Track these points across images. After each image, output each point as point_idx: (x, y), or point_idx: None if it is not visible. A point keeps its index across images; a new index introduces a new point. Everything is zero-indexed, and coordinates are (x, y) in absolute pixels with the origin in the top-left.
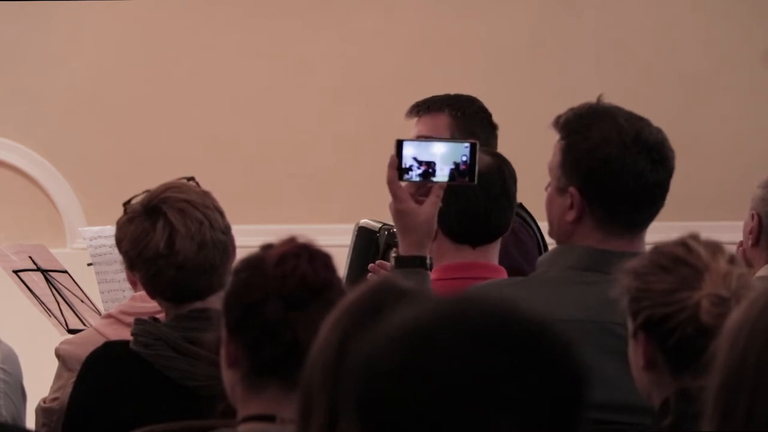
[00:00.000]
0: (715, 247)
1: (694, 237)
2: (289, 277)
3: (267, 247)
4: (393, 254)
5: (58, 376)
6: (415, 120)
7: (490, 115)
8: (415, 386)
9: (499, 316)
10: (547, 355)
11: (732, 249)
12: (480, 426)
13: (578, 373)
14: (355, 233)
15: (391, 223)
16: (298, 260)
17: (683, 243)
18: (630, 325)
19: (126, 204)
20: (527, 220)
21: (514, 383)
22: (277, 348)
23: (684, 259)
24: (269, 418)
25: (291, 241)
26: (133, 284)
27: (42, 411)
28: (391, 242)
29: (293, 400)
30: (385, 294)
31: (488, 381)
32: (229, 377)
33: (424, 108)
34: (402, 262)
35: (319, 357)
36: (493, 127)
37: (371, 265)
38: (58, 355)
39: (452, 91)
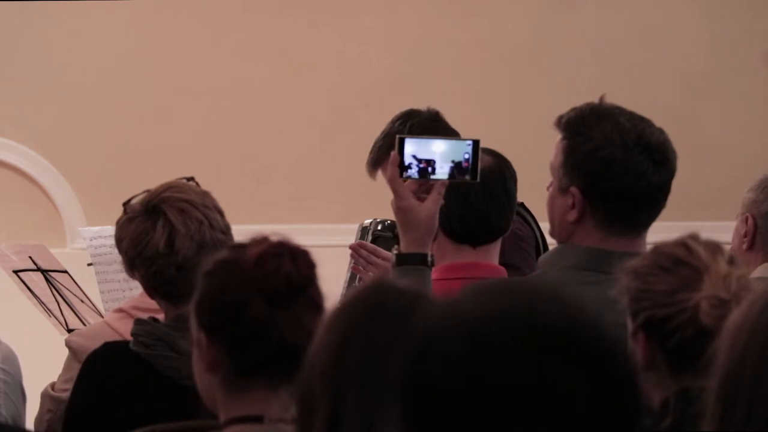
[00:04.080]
0: (714, 248)
1: (694, 237)
2: (272, 276)
3: (239, 247)
4: (394, 251)
5: (68, 368)
6: (379, 172)
7: (428, 115)
8: (469, 378)
9: (569, 323)
10: (612, 375)
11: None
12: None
13: (637, 399)
14: (358, 234)
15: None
16: (281, 259)
17: (683, 243)
18: (630, 325)
19: (126, 204)
20: (527, 218)
21: (571, 394)
22: (263, 348)
23: (684, 260)
24: (257, 419)
25: (266, 240)
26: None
27: (49, 398)
28: (379, 234)
29: (279, 399)
30: (384, 295)
31: (546, 388)
32: (206, 380)
33: (373, 165)
34: (403, 259)
35: (318, 361)
36: (436, 119)
37: (351, 244)
38: (69, 346)
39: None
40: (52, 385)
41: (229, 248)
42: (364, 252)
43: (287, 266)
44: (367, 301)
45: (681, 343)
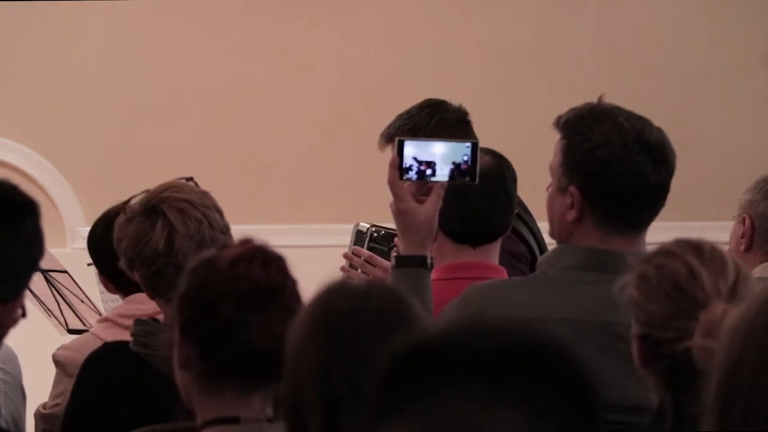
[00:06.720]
0: (720, 268)
1: (700, 251)
2: (242, 280)
3: (222, 248)
4: (393, 254)
5: (57, 382)
6: (389, 146)
7: (457, 113)
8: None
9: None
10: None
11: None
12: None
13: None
14: (353, 236)
15: (392, 226)
16: (252, 264)
17: (688, 265)
18: (633, 325)
19: (124, 204)
20: (522, 233)
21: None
22: (231, 350)
23: (685, 288)
24: (234, 420)
25: (246, 243)
26: (110, 290)
27: (42, 417)
28: (373, 246)
29: (252, 402)
30: (350, 294)
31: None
32: (182, 378)
33: (388, 138)
34: (402, 261)
35: (304, 369)
36: (464, 121)
37: (345, 252)
38: (56, 361)
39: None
40: (44, 405)
41: (216, 248)
42: (358, 260)
43: (256, 271)
44: (345, 305)
45: (673, 366)
